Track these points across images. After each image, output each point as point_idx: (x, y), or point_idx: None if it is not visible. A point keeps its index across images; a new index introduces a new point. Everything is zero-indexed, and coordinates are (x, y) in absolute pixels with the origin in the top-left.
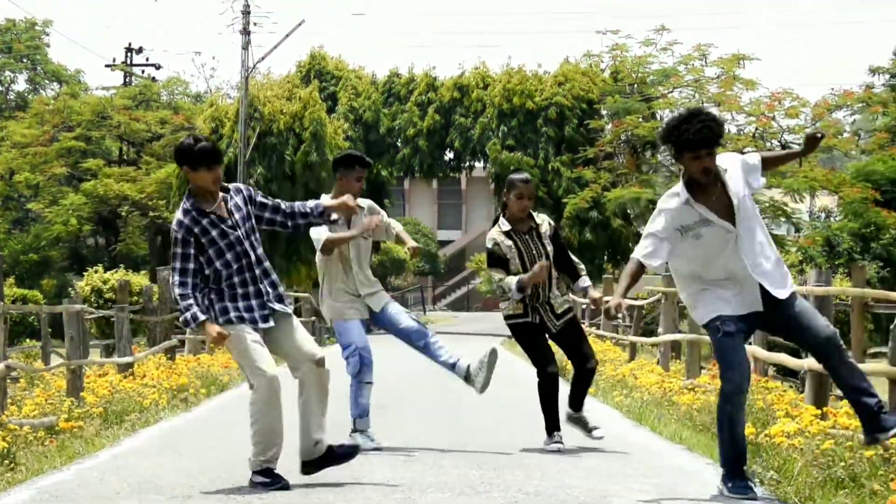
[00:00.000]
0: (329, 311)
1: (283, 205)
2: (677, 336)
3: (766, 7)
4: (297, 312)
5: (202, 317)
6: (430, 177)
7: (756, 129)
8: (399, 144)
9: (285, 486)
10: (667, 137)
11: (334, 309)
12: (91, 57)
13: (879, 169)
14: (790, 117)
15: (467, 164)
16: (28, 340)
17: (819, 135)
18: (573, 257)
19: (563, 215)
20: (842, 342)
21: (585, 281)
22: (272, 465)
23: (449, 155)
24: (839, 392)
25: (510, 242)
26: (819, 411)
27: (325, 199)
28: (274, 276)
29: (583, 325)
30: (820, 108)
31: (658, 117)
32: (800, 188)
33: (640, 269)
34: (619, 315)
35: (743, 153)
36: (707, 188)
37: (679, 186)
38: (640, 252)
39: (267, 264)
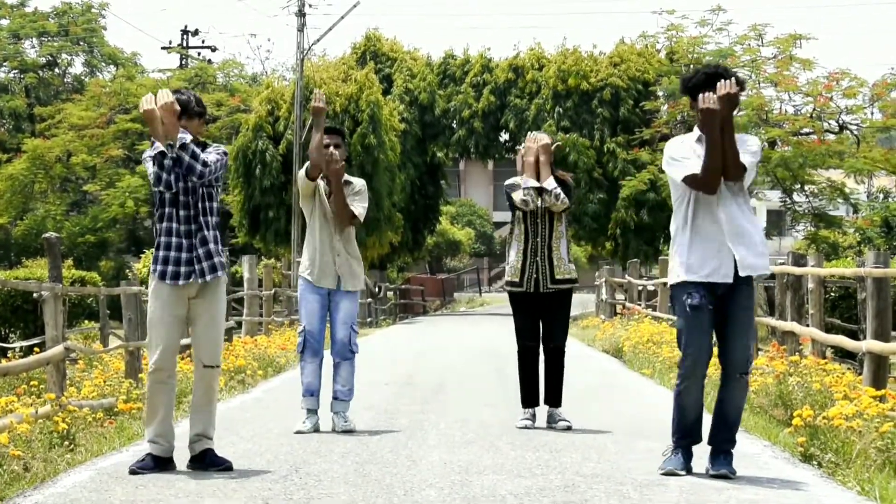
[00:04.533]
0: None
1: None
2: None
3: None
4: None
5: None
6: (486, 158)
7: (814, 109)
8: (454, 126)
9: (137, 471)
10: (683, 84)
11: (308, 268)
12: (147, 39)
13: None
14: (848, 97)
15: (523, 145)
16: (86, 322)
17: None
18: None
19: (618, 197)
20: (750, 371)
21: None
22: (154, 445)
23: (504, 136)
24: None
25: (525, 188)
26: (878, 393)
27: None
28: (211, 244)
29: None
30: (879, 88)
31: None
32: (861, 169)
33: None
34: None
35: (799, 135)
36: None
37: (691, 133)
38: (688, 169)
39: (207, 233)
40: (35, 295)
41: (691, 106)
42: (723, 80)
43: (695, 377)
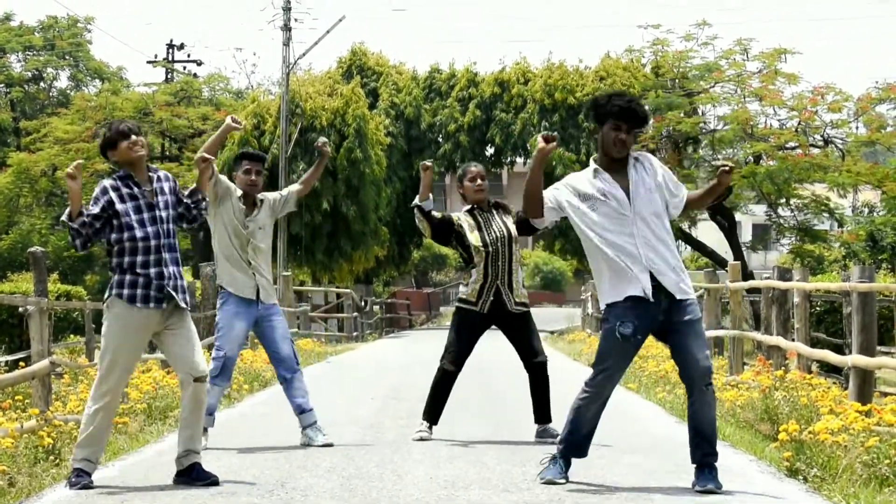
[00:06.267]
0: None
1: (188, 198)
2: (720, 332)
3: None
4: (339, 308)
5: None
6: None
7: (799, 123)
8: (440, 140)
9: (88, 486)
10: (594, 106)
11: (229, 280)
12: (133, 53)
13: None
14: (833, 112)
15: (508, 159)
16: (72, 336)
17: (727, 167)
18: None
19: None
20: (712, 380)
21: None
22: (91, 465)
23: (490, 150)
24: (884, 388)
25: (472, 220)
26: (864, 408)
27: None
28: (179, 269)
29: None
30: (863, 102)
31: (700, 112)
32: (843, 183)
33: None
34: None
35: (784, 149)
36: (616, 169)
37: (589, 166)
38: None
39: (175, 255)
40: (20, 309)
41: (595, 130)
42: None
43: (601, 395)
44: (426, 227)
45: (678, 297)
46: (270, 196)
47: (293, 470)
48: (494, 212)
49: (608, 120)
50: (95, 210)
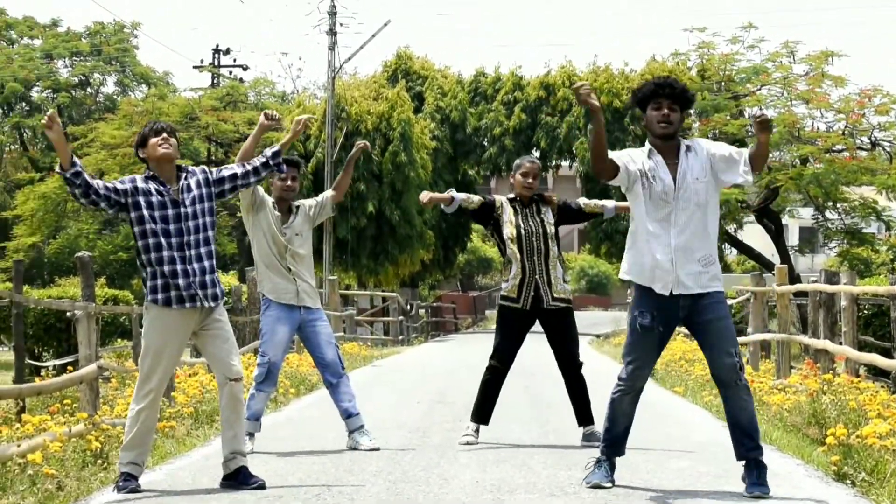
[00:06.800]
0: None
1: (239, 167)
2: (766, 336)
3: (853, 2)
4: (386, 312)
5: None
6: None
7: (846, 125)
8: (486, 144)
9: (135, 489)
10: (634, 95)
11: (271, 288)
12: (179, 59)
13: None
14: (880, 114)
15: (554, 163)
16: (119, 340)
17: (761, 118)
18: (585, 202)
19: None
20: (742, 376)
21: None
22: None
23: (535, 154)
24: None
25: (512, 210)
26: None
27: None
28: (209, 264)
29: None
30: None
31: (746, 115)
32: (891, 186)
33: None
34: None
35: (831, 152)
36: (667, 153)
37: (646, 143)
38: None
39: (205, 250)
40: (68, 314)
41: (642, 118)
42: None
43: (633, 388)
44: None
45: (697, 291)
46: (306, 203)
47: (339, 474)
48: (535, 206)
49: (648, 102)
50: (113, 184)
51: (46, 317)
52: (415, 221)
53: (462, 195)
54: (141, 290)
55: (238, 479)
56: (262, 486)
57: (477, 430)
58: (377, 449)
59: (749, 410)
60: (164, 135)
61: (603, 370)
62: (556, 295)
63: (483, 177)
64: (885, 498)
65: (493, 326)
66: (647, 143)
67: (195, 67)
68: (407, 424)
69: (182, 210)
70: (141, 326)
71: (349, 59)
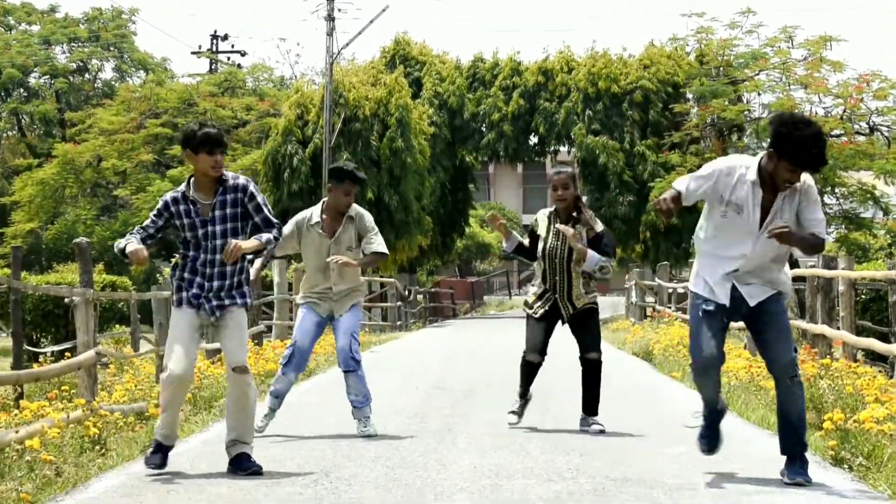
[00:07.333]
0: (300, 294)
1: (256, 218)
2: None
3: None
4: (384, 297)
5: (123, 243)
6: (515, 161)
7: (844, 110)
8: (484, 129)
9: (160, 465)
10: (781, 136)
11: (302, 295)
12: (177, 45)
13: None
14: (878, 99)
15: (552, 148)
16: (118, 326)
17: (777, 231)
18: (605, 251)
19: (647, 199)
20: (798, 372)
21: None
22: (166, 442)
23: (534, 139)
24: None
25: (547, 224)
26: None
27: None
28: (225, 283)
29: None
30: None
31: (745, 100)
32: (890, 170)
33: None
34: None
35: (829, 137)
36: (770, 189)
37: (753, 165)
38: (681, 184)
39: (223, 269)
40: (66, 300)
41: (772, 150)
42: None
43: (703, 378)
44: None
45: (757, 302)
46: (364, 223)
47: (338, 459)
48: (571, 223)
49: (789, 160)
50: (158, 222)
51: (44, 303)
52: (413, 207)
53: (517, 234)
54: (139, 276)
55: (236, 464)
56: (257, 472)
57: (520, 408)
58: (370, 436)
59: (798, 407)
60: (218, 157)
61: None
62: (577, 306)
63: (481, 163)
64: (881, 482)
65: (492, 312)
66: (756, 163)
67: (193, 53)
68: (405, 410)
69: (209, 229)
70: (140, 314)
71: (347, 44)
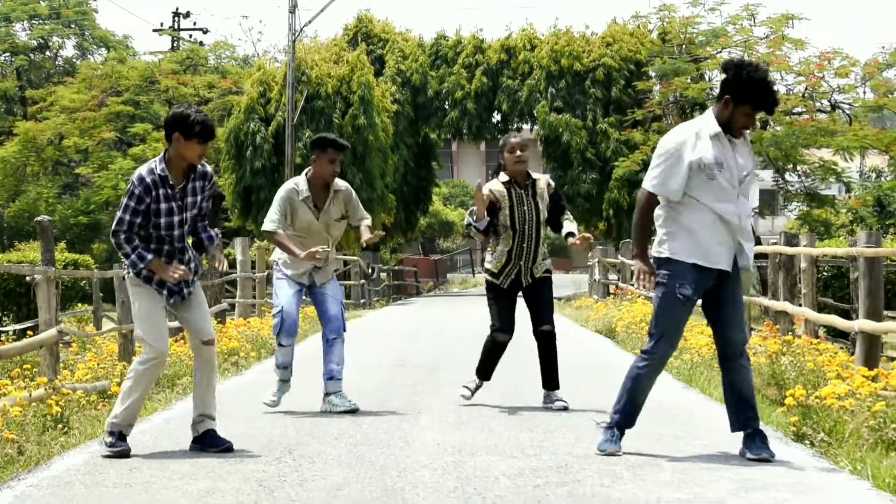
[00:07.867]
0: (280, 260)
1: (207, 233)
2: None
3: None
4: (346, 276)
5: (150, 256)
6: (478, 139)
7: (805, 88)
8: (447, 107)
9: (125, 454)
10: (738, 80)
11: (285, 261)
12: (138, 22)
13: None
14: (840, 77)
15: (515, 126)
16: (80, 305)
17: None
18: (567, 215)
19: (610, 177)
20: (747, 352)
21: (569, 227)
22: (126, 430)
23: (497, 117)
24: (891, 353)
25: (504, 192)
26: (870, 373)
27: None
28: (189, 257)
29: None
30: (870, 68)
31: (707, 78)
32: (848, 147)
33: (653, 203)
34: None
35: (791, 114)
36: (733, 140)
37: (707, 119)
38: (649, 182)
39: (187, 244)
40: (28, 278)
41: (726, 95)
42: None
43: (663, 363)
44: (479, 236)
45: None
46: (350, 195)
47: (301, 437)
48: (530, 188)
49: (745, 103)
50: (140, 213)
51: (6, 281)
52: (376, 185)
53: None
54: (101, 254)
55: (206, 441)
56: (229, 449)
57: (481, 383)
58: (356, 410)
59: (751, 381)
60: (205, 147)
61: (564, 333)
62: (535, 274)
63: (444, 140)
64: (843, 458)
65: (455, 290)
66: (710, 117)
67: (155, 31)
68: (368, 388)
69: (184, 215)
70: (102, 293)
71: (310, 21)
